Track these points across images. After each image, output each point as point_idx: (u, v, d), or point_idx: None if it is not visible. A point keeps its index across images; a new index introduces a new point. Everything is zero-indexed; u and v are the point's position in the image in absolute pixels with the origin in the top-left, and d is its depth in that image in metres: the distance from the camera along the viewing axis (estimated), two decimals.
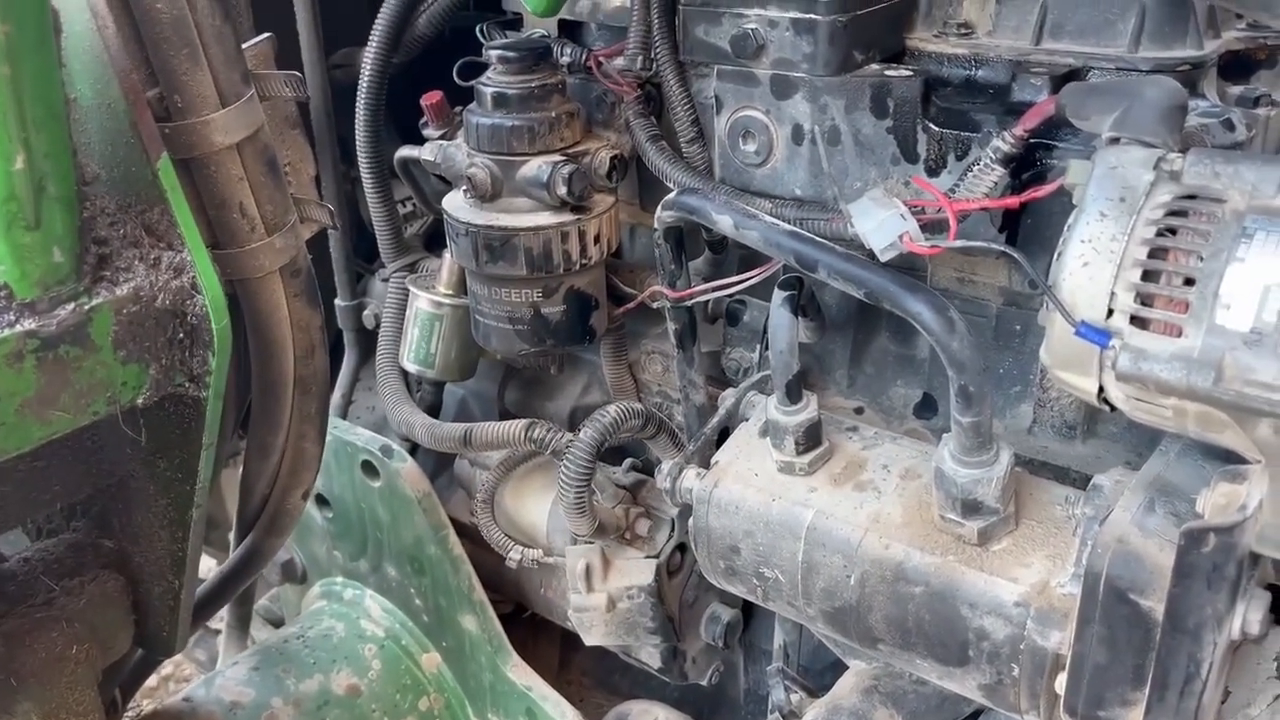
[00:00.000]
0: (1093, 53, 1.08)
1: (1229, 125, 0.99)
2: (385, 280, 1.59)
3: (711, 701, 1.62)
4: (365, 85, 1.45)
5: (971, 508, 1.00)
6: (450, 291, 1.47)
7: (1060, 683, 0.95)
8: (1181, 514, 0.89)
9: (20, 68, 0.63)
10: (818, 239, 1.05)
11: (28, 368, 0.71)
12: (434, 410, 1.57)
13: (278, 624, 1.80)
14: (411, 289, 1.50)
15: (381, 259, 1.60)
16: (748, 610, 1.51)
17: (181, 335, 0.80)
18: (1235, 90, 1.10)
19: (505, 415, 1.61)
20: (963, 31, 1.16)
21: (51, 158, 0.68)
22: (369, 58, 1.44)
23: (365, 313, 1.67)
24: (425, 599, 1.54)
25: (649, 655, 1.43)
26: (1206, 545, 0.80)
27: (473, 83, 1.34)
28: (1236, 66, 1.13)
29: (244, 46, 0.93)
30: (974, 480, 0.98)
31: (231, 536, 1.26)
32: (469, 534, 1.52)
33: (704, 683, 1.51)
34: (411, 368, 1.52)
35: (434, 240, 1.66)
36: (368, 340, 1.70)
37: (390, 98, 1.49)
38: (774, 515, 1.11)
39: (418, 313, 1.49)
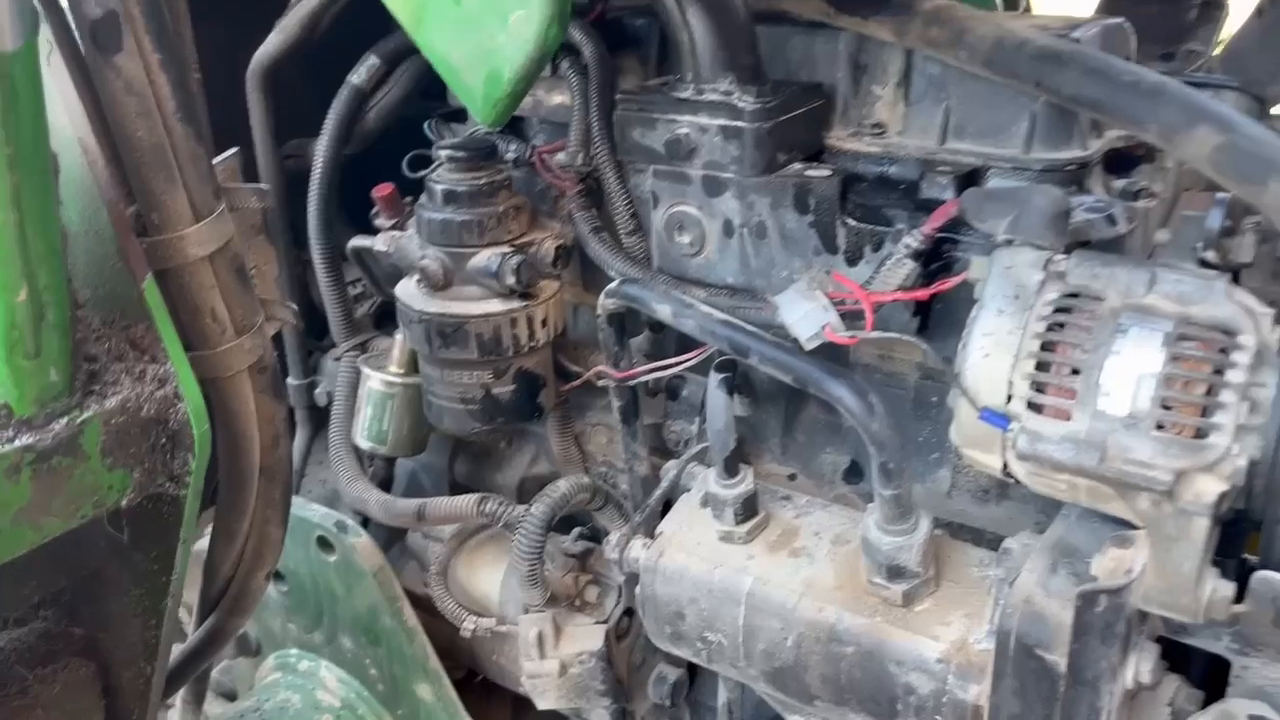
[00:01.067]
0: (991, 153, 1.20)
1: (1111, 220, 1.10)
2: (337, 359, 1.65)
3: None
4: (318, 177, 1.52)
5: (896, 572, 1.09)
6: (401, 371, 1.53)
7: None
8: (1080, 575, 0.99)
9: (26, 212, 0.70)
10: (749, 327, 1.14)
11: (24, 479, 0.76)
12: (386, 484, 1.63)
13: (230, 697, 1.82)
14: (364, 369, 1.56)
15: (332, 337, 1.66)
16: (692, 670, 1.58)
17: (164, 440, 0.86)
18: (1119, 184, 1.22)
19: (455, 488, 1.67)
20: (876, 131, 1.28)
21: (50, 289, 0.75)
22: (321, 150, 1.51)
23: (317, 390, 1.72)
24: (380, 669, 1.58)
25: (599, 716, 1.49)
26: (1099, 605, 0.90)
27: (422, 174, 1.42)
28: (1120, 162, 1.25)
29: (214, 162, 1.00)
30: (897, 547, 1.08)
31: (194, 616, 1.30)
32: (422, 604, 1.57)
33: None
34: (364, 444, 1.57)
35: (383, 319, 1.73)
36: (319, 417, 1.75)
37: (340, 185, 1.57)
38: (716, 582, 1.19)
39: (370, 392, 1.55)
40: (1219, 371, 0.86)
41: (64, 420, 0.78)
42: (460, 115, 1.56)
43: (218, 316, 0.99)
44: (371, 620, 1.55)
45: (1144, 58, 1.61)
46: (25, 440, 0.76)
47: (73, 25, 0.84)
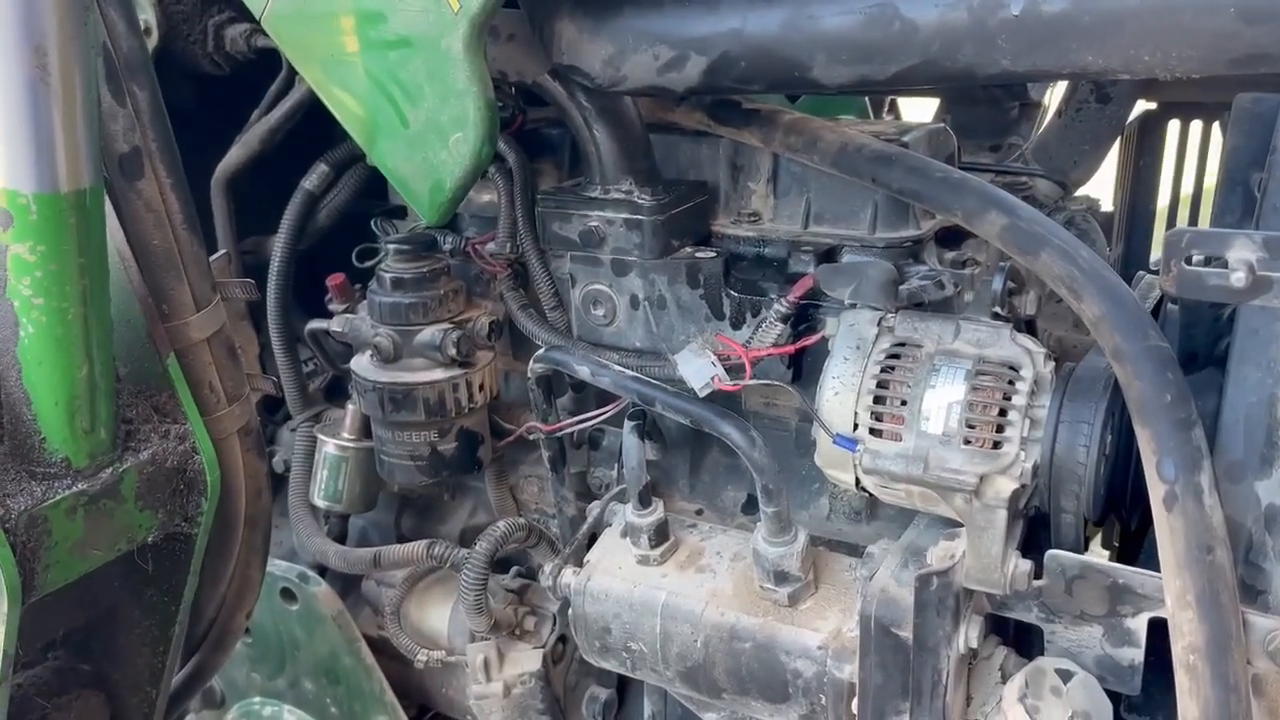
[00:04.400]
0: (844, 234, 1.46)
1: (940, 285, 1.37)
2: (293, 430, 1.85)
3: None
4: (276, 269, 1.73)
5: (781, 577, 1.33)
6: (354, 436, 1.74)
7: (854, 705, 1.28)
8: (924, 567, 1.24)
9: (90, 306, 0.91)
10: (654, 381, 1.39)
11: (79, 518, 0.96)
12: (341, 539, 1.82)
13: None
14: (319, 436, 1.76)
15: (288, 410, 1.86)
16: (621, 690, 1.79)
17: (182, 487, 1.06)
18: (949, 255, 1.50)
19: (402, 540, 1.87)
20: (752, 219, 1.54)
21: (103, 366, 0.95)
22: (278, 247, 1.73)
23: (275, 459, 1.91)
24: (340, 707, 1.76)
25: None
26: (932, 585, 1.15)
27: (370, 265, 1.65)
28: (951, 237, 1.53)
29: (210, 260, 1.22)
30: (780, 555, 1.31)
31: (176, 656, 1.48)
32: (376, 646, 1.76)
33: None
34: (321, 504, 1.77)
35: (332, 393, 1.94)
36: (276, 483, 1.93)
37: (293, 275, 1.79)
38: (635, 599, 1.41)
39: (326, 456, 1.75)
40: (1007, 398, 1.13)
41: (109, 470, 0.98)
42: (401, 212, 1.80)
43: (214, 388, 1.20)
44: (332, 662, 1.73)
45: (975, 149, 1.94)
46: (80, 487, 0.96)
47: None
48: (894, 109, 2.72)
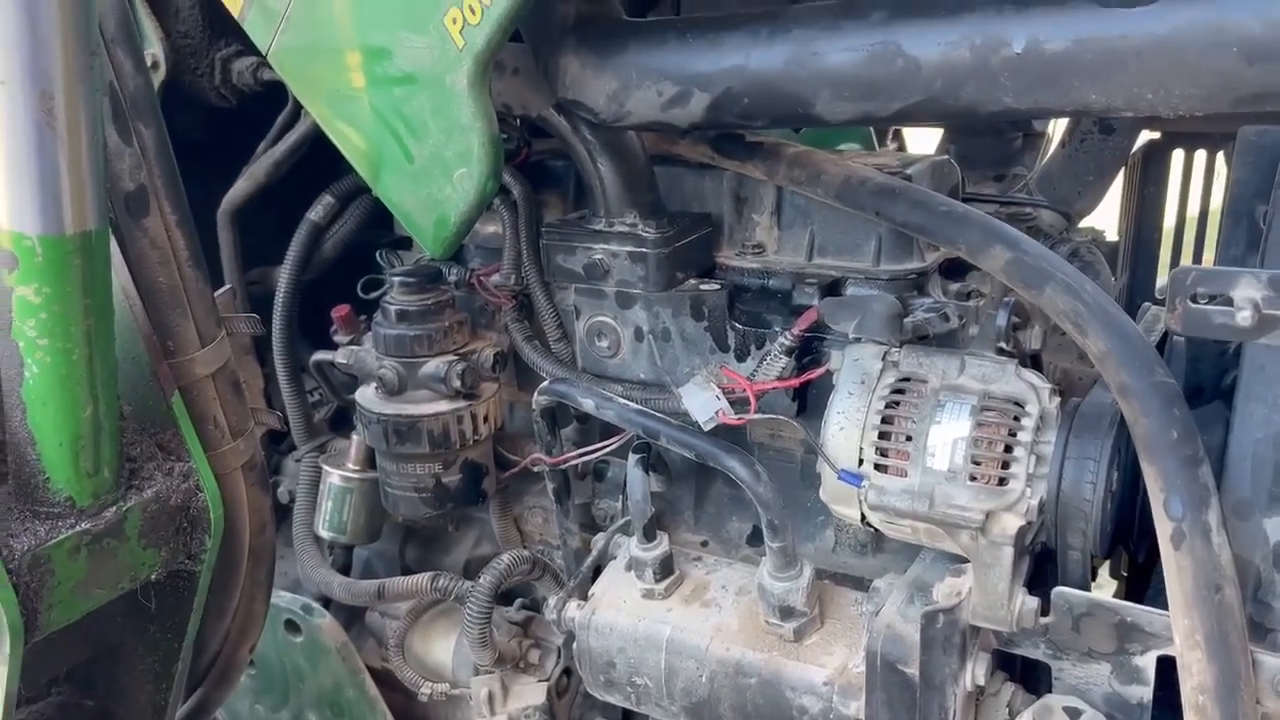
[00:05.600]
0: (848, 266, 1.46)
1: (945, 318, 1.37)
2: (298, 460, 1.85)
3: None
4: (282, 300, 1.73)
5: (787, 612, 1.32)
6: (358, 467, 1.74)
7: None
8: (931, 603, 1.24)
9: (95, 347, 0.91)
10: (659, 415, 1.38)
11: (82, 558, 0.96)
12: (345, 571, 1.81)
13: None
14: (324, 467, 1.76)
15: (293, 441, 1.86)
16: None
17: (186, 524, 1.06)
18: (954, 287, 1.50)
19: (406, 572, 1.86)
20: (756, 251, 1.54)
21: (106, 404, 0.95)
22: (284, 278, 1.73)
23: (279, 490, 1.91)
24: None
25: None
26: (939, 622, 1.14)
27: (375, 296, 1.65)
28: (955, 269, 1.53)
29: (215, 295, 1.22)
30: (786, 590, 1.31)
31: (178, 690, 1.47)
32: (380, 678, 1.75)
33: None
34: (326, 535, 1.76)
35: (337, 423, 1.93)
36: (280, 513, 1.93)
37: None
38: (640, 633, 1.40)
39: (330, 487, 1.75)
40: (1013, 434, 1.13)
41: (113, 509, 0.98)
42: (406, 243, 1.80)
43: (218, 423, 1.19)
44: (336, 694, 1.72)
45: (979, 179, 1.94)
46: (84, 526, 0.96)
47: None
48: (898, 138, 2.73)
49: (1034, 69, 1.02)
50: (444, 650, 1.68)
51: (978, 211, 1.28)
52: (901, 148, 2.69)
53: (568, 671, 1.66)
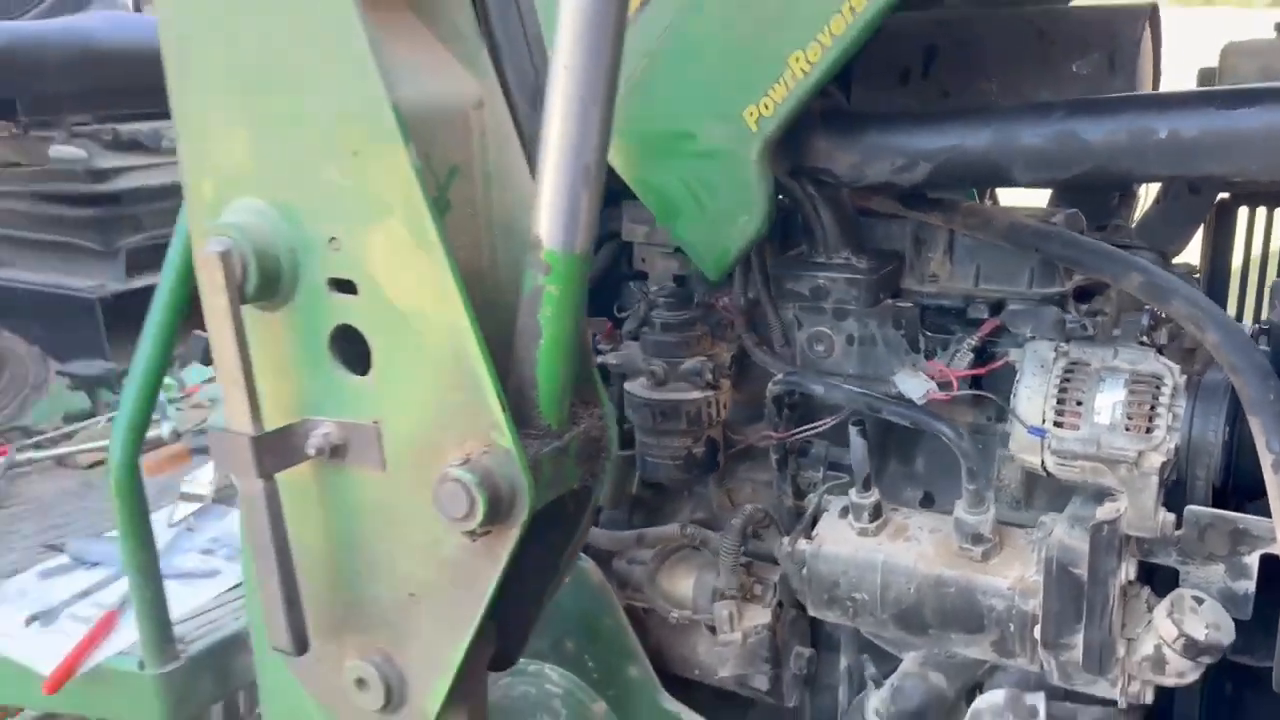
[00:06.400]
0: (1008, 290, 1.96)
1: (1084, 326, 1.87)
2: None
3: (792, 717, 2.32)
4: None
5: (977, 539, 1.80)
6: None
7: (1037, 630, 1.74)
8: (1087, 528, 1.71)
9: (577, 329, 1.42)
10: (879, 394, 1.88)
11: (549, 465, 1.45)
12: None
13: None
14: None
15: None
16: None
17: (595, 451, 1.56)
18: (1084, 306, 2.00)
19: None
20: (932, 279, 2.05)
21: (576, 364, 1.46)
22: None
23: None
24: (596, 660, 2.22)
25: (760, 681, 2.15)
26: (1104, 531, 1.62)
27: (624, 315, 2.16)
28: (1085, 293, 2.03)
29: None
30: (977, 522, 1.79)
31: None
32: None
33: (790, 704, 2.23)
34: None
35: None
36: None
37: None
38: (859, 558, 1.88)
39: None
40: (1155, 398, 1.62)
41: (567, 435, 1.48)
42: (642, 274, 2.33)
43: None
44: (593, 622, 2.20)
45: (1087, 231, 2.45)
46: (553, 444, 1.46)
47: None
48: (992, 196, 3.25)
49: (1173, 149, 1.54)
50: (685, 586, 2.16)
51: (1116, 248, 1.79)
52: (995, 203, 3.21)
53: (780, 604, 2.14)
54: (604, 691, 2.24)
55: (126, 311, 3.29)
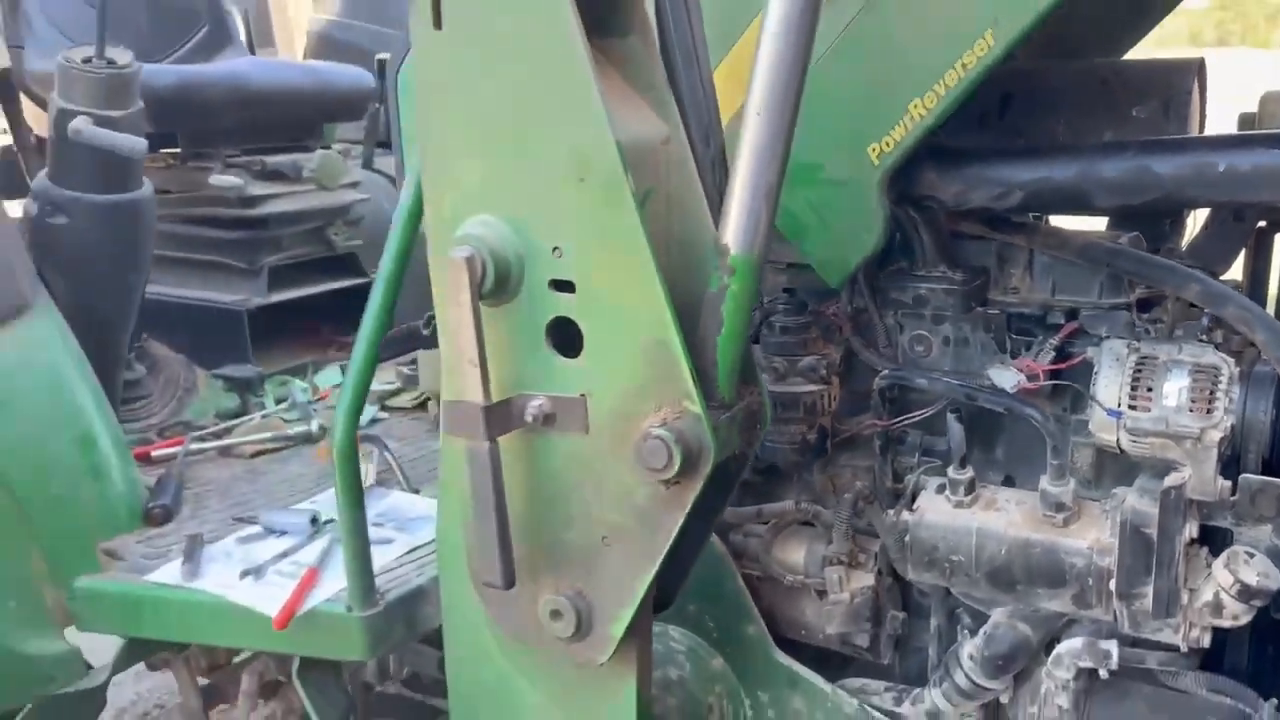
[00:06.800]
0: (1081, 300, 2.30)
1: (1146, 331, 2.21)
2: None
3: (884, 674, 2.64)
4: None
5: (1059, 507, 2.13)
6: None
7: (1112, 583, 2.07)
8: (1154, 498, 2.04)
9: (747, 320, 1.78)
10: (977, 385, 2.23)
11: (724, 430, 1.80)
12: None
13: None
14: None
15: None
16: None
17: (753, 423, 1.90)
18: (1144, 315, 2.34)
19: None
20: (1013, 291, 2.40)
21: (746, 345, 1.81)
22: None
23: None
24: (716, 621, 2.55)
25: (861, 639, 2.47)
26: (1171, 495, 1.95)
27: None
28: (1146, 303, 2.37)
29: None
30: (1060, 492, 2.12)
31: None
32: None
33: (884, 662, 2.55)
34: None
35: None
36: None
37: None
38: (957, 525, 2.21)
39: None
40: (1214, 385, 1.96)
41: (736, 407, 1.83)
42: None
43: None
44: (714, 588, 2.53)
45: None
46: (727, 415, 1.80)
47: None
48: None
49: (1229, 180, 1.89)
50: (797, 555, 2.49)
51: (1178, 263, 2.14)
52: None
53: (879, 572, 2.47)
54: (722, 649, 2.57)
55: (268, 322, 3.68)
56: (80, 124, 2.64)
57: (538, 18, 1.70)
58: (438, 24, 1.80)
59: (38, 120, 3.36)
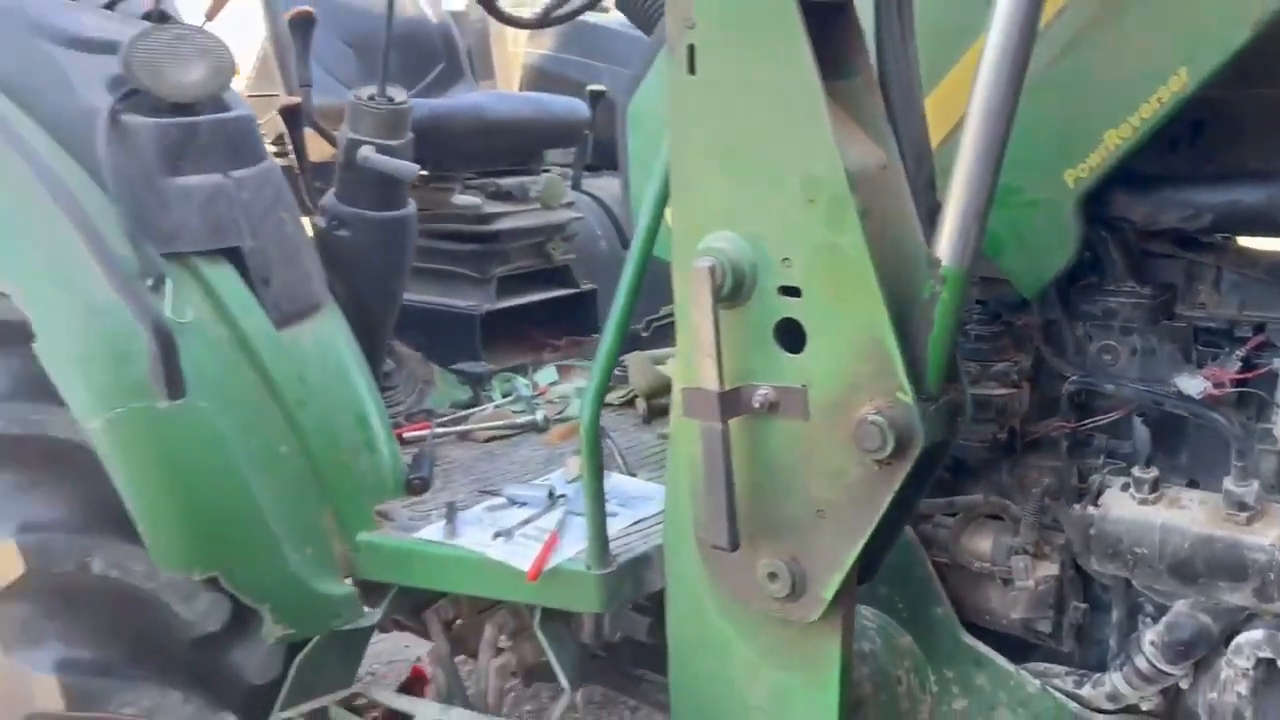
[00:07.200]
0: (1268, 315, 2.43)
1: None
2: None
3: (1065, 662, 2.81)
4: None
5: (1242, 507, 2.29)
6: None
7: None
8: None
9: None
10: (1164, 391, 2.41)
11: (935, 419, 2.06)
12: None
13: None
14: None
15: None
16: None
17: (954, 416, 2.15)
18: None
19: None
20: (1200, 306, 2.56)
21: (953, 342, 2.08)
22: None
23: None
24: (905, 601, 2.79)
25: (1044, 625, 2.67)
26: None
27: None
28: None
29: None
30: (1244, 493, 2.27)
31: None
32: None
33: (1065, 649, 2.73)
34: None
35: None
36: None
37: None
38: (1142, 520, 2.38)
39: None
40: None
41: (942, 399, 2.08)
42: None
43: None
44: (905, 572, 2.77)
45: None
46: (935, 406, 2.06)
47: None
48: None
49: None
50: (985, 545, 2.70)
51: None
52: None
53: (1063, 563, 2.67)
54: (911, 628, 2.81)
55: (497, 326, 4.14)
56: (367, 151, 3.14)
57: (781, 65, 2.02)
58: (691, 70, 2.15)
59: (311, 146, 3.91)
